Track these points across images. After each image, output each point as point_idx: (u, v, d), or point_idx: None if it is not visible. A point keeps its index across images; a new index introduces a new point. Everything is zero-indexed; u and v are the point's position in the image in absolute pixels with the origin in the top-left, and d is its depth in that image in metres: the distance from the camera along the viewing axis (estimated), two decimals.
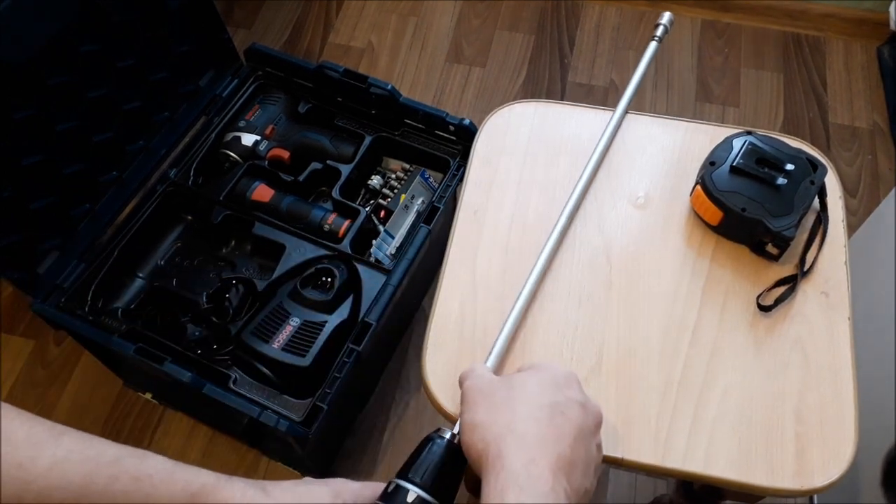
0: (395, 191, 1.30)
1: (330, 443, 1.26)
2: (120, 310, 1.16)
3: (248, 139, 1.31)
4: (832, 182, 0.75)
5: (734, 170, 0.70)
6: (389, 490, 0.48)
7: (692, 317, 0.68)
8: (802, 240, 0.72)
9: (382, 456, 1.30)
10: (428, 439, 0.52)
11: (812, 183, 0.70)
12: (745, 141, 0.72)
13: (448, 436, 0.52)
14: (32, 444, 0.45)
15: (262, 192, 1.25)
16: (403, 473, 0.49)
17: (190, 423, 1.33)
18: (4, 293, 1.49)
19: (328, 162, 1.29)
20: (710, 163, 0.71)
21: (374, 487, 0.50)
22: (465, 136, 1.26)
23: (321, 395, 1.03)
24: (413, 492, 0.47)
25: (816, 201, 0.72)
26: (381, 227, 1.23)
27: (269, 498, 0.48)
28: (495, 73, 1.77)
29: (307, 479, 0.51)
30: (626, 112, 0.80)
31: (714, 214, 0.71)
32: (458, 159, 1.28)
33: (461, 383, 0.56)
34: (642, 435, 0.62)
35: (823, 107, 1.70)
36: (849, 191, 1.58)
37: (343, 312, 1.12)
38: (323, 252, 1.19)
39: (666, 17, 0.82)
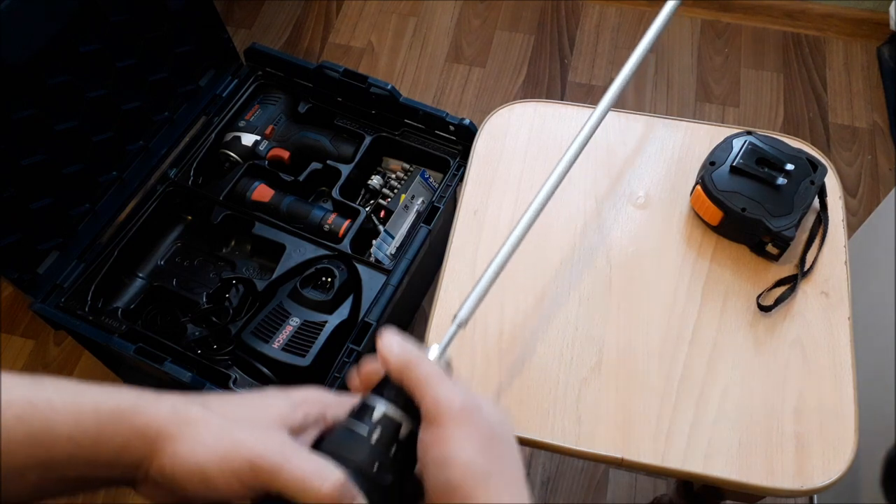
0: (395, 191, 1.30)
1: None
2: (120, 310, 1.16)
3: (248, 139, 1.31)
4: (832, 182, 0.75)
5: (734, 170, 0.70)
6: (359, 406, 0.44)
7: (692, 317, 0.68)
8: (802, 240, 0.72)
9: None
10: None
11: (812, 183, 0.70)
12: (745, 141, 0.72)
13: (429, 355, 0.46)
14: None
15: (262, 192, 1.25)
16: (377, 389, 0.44)
17: None
18: (4, 293, 1.49)
19: (328, 162, 1.29)
20: (710, 163, 0.71)
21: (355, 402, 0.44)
22: (465, 136, 1.26)
23: None
24: (379, 408, 0.43)
25: (816, 201, 0.72)
26: (381, 227, 1.23)
27: (207, 411, 0.40)
28: (495, 73, 1.77)
29: (268, 389, 0.44)
30: (622, 90, 0.79)
31: (714, 214, 0.71)
32: (458, 159, 1.28)
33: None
34: (642, 435, 0.62)
35: (823, 107, 1.70)
36: (849, 191, 1.58)
37: (343, 312, 1.12)
38: (323, 252, 1.19)
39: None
